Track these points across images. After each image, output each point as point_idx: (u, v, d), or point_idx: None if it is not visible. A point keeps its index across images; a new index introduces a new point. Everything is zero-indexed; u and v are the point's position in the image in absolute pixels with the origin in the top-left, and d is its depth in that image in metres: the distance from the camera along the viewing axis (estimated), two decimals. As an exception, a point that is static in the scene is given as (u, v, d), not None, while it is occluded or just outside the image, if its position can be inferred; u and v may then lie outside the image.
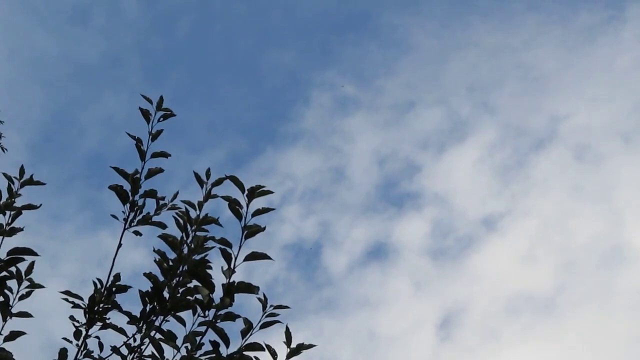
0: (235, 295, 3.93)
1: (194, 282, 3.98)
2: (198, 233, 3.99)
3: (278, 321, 3.95)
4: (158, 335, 3.96)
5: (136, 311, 4.05)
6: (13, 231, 4.08)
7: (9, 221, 4.09)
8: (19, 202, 4.13)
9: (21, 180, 4.15)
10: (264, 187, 3.92)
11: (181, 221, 4.01)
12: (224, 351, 3.91)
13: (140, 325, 4.00)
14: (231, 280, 3.92)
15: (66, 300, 4.06)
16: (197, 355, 3.91)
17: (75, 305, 4.06)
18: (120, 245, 4.09)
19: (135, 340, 4.00)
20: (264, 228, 3.93)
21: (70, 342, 4.05)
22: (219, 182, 4.00)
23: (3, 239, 4.06)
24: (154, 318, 4.00)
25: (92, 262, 4.03)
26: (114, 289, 4.07)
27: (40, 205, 4.16)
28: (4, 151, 16.59)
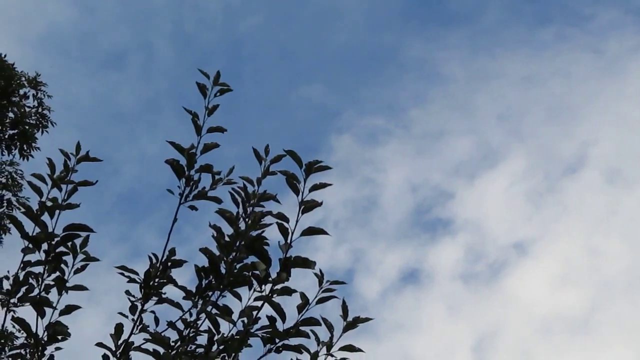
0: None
1: (251, 258, 3.99)
2: (256, 209, 3.99)
3: (335, 296, 3.95)
4: (214, 310, 3.97)
5: (190, 287, 4.06)
6: (70, 206, 4.10)
7: (65, 197, 4.11)
8: (75, 178, 4.14)
9: (77, 157, 4.15)
10: (321, 162, 3.92)
11: (237, 197, 4.02)
12: (280, 326, 3.91)
13: (196, 300, 4.01)
14: (288, 255, 3.92)
15: (122, 274, 4.07)
16: (253, 330, 3.92)
17: (131, 280, 4.06)
18: (175, 220, 4.09)
19: (191, 315, 4.01)
20: (321, 203, 3.93)
21: (126, 316, 4.06)
22: (277, 158, 4.01)
23: (60, 213, 4.08)
24: (210, 293, 4.00)
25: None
26: (169, 263, 4.07)
27: (97, 181, 4.17)
28: (53, 125, 16.96)
